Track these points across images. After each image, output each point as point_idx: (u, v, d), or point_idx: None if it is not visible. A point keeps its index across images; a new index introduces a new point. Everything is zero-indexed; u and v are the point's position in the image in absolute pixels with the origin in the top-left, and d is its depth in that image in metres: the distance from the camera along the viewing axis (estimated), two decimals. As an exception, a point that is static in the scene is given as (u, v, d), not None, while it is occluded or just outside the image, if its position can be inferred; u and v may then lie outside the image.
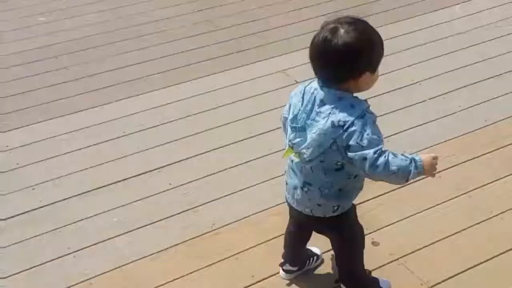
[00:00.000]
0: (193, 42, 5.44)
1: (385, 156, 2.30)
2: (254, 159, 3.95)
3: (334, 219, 2.60)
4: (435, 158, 2.38)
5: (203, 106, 4.53)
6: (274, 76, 4.88)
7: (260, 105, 4.48)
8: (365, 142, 2.28)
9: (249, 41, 5.41)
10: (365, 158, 2.29)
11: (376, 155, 2.29)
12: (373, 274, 3.00)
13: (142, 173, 3.88)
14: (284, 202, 2.77)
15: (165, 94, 4.72)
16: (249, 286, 3.06)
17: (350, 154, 2.31)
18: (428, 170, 2.37)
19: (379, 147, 2.30)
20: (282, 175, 2.80)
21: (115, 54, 5.32)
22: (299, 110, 2.41)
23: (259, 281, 3.07)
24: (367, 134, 2.29)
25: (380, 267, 3.09)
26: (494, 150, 3.94)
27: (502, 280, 3.03)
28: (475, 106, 4.40)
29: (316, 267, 3.12)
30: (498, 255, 3.16)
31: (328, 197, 2.52)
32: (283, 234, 3.01)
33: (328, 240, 2.83)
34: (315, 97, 2.37)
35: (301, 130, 2.41)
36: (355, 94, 2.38)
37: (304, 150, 2.40)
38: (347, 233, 2.71)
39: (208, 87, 4.77)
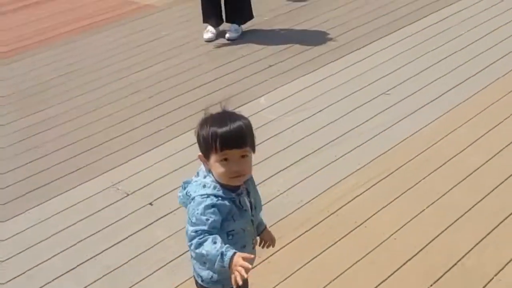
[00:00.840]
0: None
1: (202, 238, 2.52)
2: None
3: None
4: (244, 258, 2.46)
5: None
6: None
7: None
8: (193, 219, 2.56)
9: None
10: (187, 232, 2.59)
11: (194, 234, 2.54)
12: None
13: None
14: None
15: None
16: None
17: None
18: (233, 268, 2.46)
19: (201, 228, 2.53)
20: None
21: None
22: None
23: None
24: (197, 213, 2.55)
25: None
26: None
27: None
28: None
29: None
30: None
31: None
32: None
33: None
34: None
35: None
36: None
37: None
38: None
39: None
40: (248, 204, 2.67)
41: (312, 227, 4.02)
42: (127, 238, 4.10)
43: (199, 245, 2.53)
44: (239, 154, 2.55)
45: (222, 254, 2.48)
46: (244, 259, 2.47)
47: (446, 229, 3.93)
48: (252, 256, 2.58)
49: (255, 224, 2.77)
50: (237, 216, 2.61)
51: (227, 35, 6.97)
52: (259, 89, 5.88)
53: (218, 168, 2.54)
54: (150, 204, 4.38)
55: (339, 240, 3.91)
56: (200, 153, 2.62)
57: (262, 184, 4.23)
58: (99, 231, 4.19)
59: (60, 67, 6.66)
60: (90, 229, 4.21)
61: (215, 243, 2.50)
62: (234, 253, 2.49)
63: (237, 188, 2.63)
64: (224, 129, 2.52)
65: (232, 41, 6.91)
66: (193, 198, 2.58)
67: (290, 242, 3.88)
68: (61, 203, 4.48)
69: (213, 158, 2.54)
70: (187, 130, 5.15)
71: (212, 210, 2.54)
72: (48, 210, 4.44)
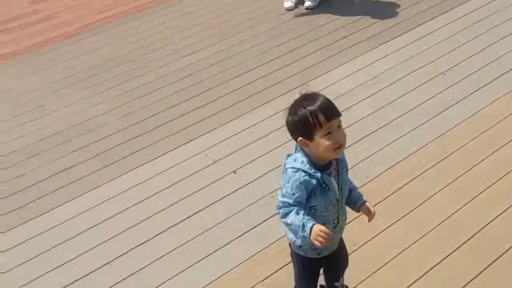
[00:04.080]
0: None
1: (287, 209, 2.84)
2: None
3: None
4: (322, 230, 2.77)
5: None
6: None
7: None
8: (283, 190, 2.86)
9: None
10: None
11: (280, 204, 2.86)
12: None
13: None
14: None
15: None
16: None
17: None
18: (313, 237, 2.79)
19: (287, 200, 2.83)
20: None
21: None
22: None
23: None
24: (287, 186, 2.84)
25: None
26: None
27: None
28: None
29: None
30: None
31: None
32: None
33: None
34: None
35: None
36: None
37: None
38: None
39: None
40: (335, 184, 2.89)
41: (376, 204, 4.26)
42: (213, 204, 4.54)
43: (285, 215, 2.85)
44: (337, 124, 2.79)
45: (303, 225, 2.79)
46: (321, 230, 2.78)
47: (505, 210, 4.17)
48: (330, 232, 2.80)
49: (341, 204, 2.97)
50: (319, 194, 2.85)
51: (305, 4, 7.29)
52: (333, 61, 6.17)
53: (324, 143, 2.75)
54: (234, 172, 4.82)
55: (401, 218, 4.20)
56: (300, 138, 2.81)
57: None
58: (190, 194, 4.64)
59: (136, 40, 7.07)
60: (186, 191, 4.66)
61: (297, 214, 2.82)
62: (314, 224, 2.80)
63: (327, 167, 2.88)
64: (319, 103, 2.76)
65: (310, 10, 7.23)
66: (286, 170, 2.87)
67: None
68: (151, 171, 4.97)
69: (318, 135, 2.76)
70: (267, 100, 5.58)
71: (298, 185, 2.82)
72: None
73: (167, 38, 7.02)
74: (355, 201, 3.08)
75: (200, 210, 4.48)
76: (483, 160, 4.64)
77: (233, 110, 5.58)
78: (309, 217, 2.83)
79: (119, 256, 4.19)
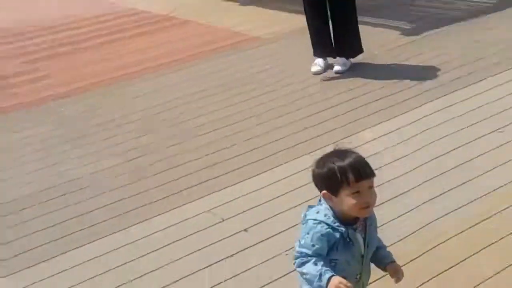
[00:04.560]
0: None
1: (304, 259, 2.67)
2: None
3: None
4: (342, 282, 2.57)
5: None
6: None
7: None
8: (302, 241, 2.71)
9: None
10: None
11: (298, 254, 2.70)
12: None
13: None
14: None
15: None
16: None
17: None
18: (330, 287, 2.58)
19: (305, 251, 2.67)
20: None
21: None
22: None
23: None
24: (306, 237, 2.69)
25: None
26: None
27: None
28: None
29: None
30: None
31: None
32: None
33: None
34: None
35: None
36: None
37: None
38: None
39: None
40: (361, 240, 2.72)
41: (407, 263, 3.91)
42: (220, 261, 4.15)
43: (301, 264, 2.68)
44: (368, 185, 2.64)
45: (320, 275, 2.61)
46: (341, 282, 2.56)
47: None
48: (350, 285, 2.60)
49: (365, 261, 2.78)
50: (341, 247, 2.67)
51: (335, 68, 6.98)
52: (364, 123, 5.85)
53: (350, 201, 2.62)
54: (245, 230, 4.41)
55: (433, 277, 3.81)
56: (325, 191, 2.67)
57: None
58: (194, 252, 4.26)
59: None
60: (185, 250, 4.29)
61: (316, 264, 2.64)
62: (333, 275, 2.60)
63: (354, 223, 2.71)
64: (351, 161, 2.64)
65: (340, 74, 6.91)
66: (306, 221, 2.72)
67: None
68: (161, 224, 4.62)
69: (345, 192, 2.62)
70: (288, 160, 5.24)
71: (320, 237, 2.65)
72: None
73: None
74: (383, 259, 2.88)
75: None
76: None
77: (257, 165, 5.27)
78: (328, 268, 2.65)
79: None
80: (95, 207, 4.87)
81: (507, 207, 4.39)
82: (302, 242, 2.69)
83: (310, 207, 2.80)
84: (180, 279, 4.02)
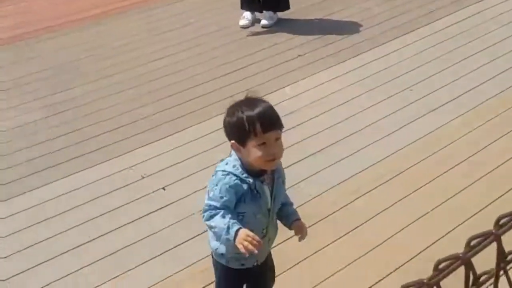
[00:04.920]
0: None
1: (213, 212, 2.62)
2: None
3: None
4: (250, 235, 2.54)
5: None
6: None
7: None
8: (211, 193, 2.67)
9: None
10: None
11: (206, 207, 2.65)
12: None
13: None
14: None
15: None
16: None
17: None
18: (238, 241, 2.55)
19: (214, 204, 2.63)
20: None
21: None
22: None
23: None
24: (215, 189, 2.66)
25: None
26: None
27: None
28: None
29: None
30: None
31: None
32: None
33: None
34: None
35: None
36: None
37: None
38: None
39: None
40: (268, 193, 2.69)
41: (318, 222, 3.98)
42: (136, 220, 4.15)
43: (210, 217, 2.63)
44: (275, 137, 2.60)
45: (228, 228, 2.56)
46: (249, 235, 2.53)
47: (454, 228, 3.86)
48: (257, 238, 2.57)
49: (272, 215, 2.76)
50: (249, 199, 2.66)
51: (262, 22, 6.96)
52: (286, 79, 5.85)
53: (256, 153, 2.58)
54: (163, 189, 4.42)
55: (341, 237, 3.88)
56: (233, 141, 2.63)
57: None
58: (109, 211, 4.25)
59: (87, 49, 6.72)
60: (101, 209, 4.27)
61: (223, 217, 2.60)
62: (240, 228, 2.56)
63: (261, 174, 2.67)
64: (260, 111, 2.58)
65: (267, 29, 6.90)
66: (216, 172, 2.68)
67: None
68: (74, 183, 4.56)
69: (251, 143, 2.58)
70: (206, 118, 5.19)
71: (228, 189, 2.62)
72: (60, 188, 4.52)
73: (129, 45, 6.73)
74: (288, 216, 2.85)
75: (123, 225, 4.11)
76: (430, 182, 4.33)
77: (172, 124, 5.21)
78: (235, 221, 2.60)
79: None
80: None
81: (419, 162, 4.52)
82: (211, 194, 2.65)
83: (222, 160, 2.77)
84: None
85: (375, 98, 5.41)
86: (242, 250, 2.54)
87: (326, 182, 4.38)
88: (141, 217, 4.17)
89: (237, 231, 2.55)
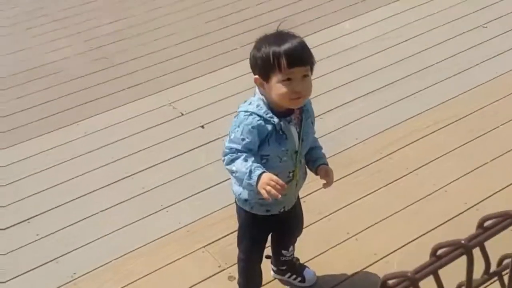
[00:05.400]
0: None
1: (234, 155, 2.43)
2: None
3: None
4: (273, 180, 2.35)
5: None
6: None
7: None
8: (232, 135, 2.47)
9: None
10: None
11: (227, 150, 2.46)
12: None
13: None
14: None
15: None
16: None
17: None
18: (260, 185, 2.36)
19: (235, 146, 2.44)
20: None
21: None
22: None
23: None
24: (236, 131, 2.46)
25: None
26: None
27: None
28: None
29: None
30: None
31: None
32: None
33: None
34: None
35: None
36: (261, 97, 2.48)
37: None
38: None
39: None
40: (295, 134, 2.48)
41: (361, 168, 3.74)
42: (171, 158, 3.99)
43: (231, 161, 2.44)
44: (302, 73, 2.37)
45: (250, 172, 2.37)
46: (272, 179, 2.33)
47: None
48: (281, 182, 2.36)
49: (299, 157, 2.53)
50: (274, 141, 2.44)
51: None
52: (342, 14, 5.55)
53: (280, 89, 2.36)
54: (202, 127, 4.23)
55: (385, 186, 3.61)
56: (257, 76, 2.43)
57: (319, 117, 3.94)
58: (146, 148, 4.10)
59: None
60: (141, 144, 4.13)
61: (246, 161, 2.40)
62: (263, 171, 2.36)
63: (288, 114, 2.45)
64: (287, 46, 2.36)
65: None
66: (238, 114, 2.48)
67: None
68: (115, 117, 4.44)
69: (275, 78, 2.36)
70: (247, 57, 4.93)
71: (250, 130, 2.42)
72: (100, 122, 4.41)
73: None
74: (316, 160, 2.62)
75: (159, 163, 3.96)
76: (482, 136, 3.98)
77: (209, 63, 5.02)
78: (258, 164, 2.40)
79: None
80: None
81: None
82: (232, 136, 2.45)
83: (246, 101, 2.55)
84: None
85: (443, 35, 5.03)
86: (265, 195, 2.33)
87: (375, 126, 4.10)
88: (182, 153, 4.00)
89: (260, 175, 2.35)
